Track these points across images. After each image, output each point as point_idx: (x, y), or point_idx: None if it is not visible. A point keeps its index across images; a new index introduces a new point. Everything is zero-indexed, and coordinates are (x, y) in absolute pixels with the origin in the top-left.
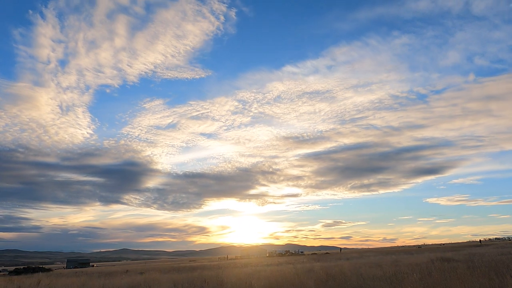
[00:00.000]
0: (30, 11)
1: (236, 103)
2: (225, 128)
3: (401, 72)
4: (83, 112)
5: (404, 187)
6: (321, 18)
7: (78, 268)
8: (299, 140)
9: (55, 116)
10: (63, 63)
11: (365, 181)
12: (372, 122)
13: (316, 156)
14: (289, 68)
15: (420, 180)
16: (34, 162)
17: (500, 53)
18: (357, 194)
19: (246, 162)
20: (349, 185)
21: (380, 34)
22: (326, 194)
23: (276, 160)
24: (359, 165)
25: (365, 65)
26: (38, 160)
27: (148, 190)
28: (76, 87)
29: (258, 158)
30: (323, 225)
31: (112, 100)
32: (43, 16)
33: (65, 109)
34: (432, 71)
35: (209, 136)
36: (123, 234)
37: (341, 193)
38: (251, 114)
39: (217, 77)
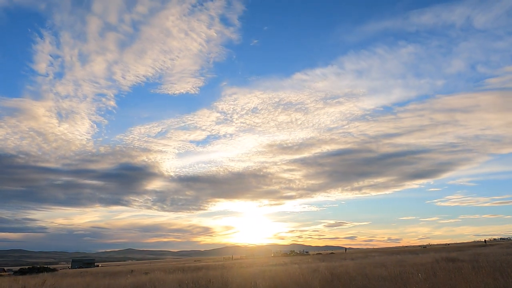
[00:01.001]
0: (29, 29)
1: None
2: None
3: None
4: (81, 119)
5: (407, 187)
6: (331, 31)
7: (83, 268)
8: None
9: (53, 124)
10: (60, 75)
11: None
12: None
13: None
14: (298, 76)
15: (424, 181)
16: (40, 167)
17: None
18: (350, 196)
19: (239, 166)
20: (356, 185)
21: (387, 44)
22: (322, 196)
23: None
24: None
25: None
26: (43, 165)
27: (150, 192)
28: (74, 96)
29: (249, 163)
30: (325, 225)
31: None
32: (41, 35)
33: (65, 116)
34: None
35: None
36: (128, 235)
37: (338, 195)
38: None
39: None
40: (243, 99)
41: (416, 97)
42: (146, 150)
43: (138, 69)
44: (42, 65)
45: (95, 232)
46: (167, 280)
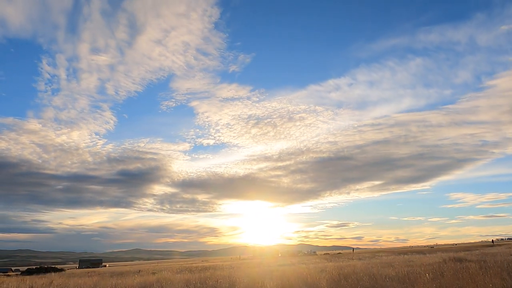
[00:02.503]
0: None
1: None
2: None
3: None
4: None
5: (412, 189)
6: (344, 48)
7: (90, 268)
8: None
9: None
10: (58, 90)
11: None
12: None
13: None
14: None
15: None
16: (47, 174)
17: None
18: (348, 197)
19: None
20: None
21: (397, 57)
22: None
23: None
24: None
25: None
26: (49, 172)
27: (157, 195)
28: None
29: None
30: (328, 225)
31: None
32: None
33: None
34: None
35: None
36: (135, 235)
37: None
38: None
39: None
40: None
41: (425, 105)
42: (152, 154)
43: (128, 86)
44: (41, 83)
45: (103, 233)
46: (174, 280)
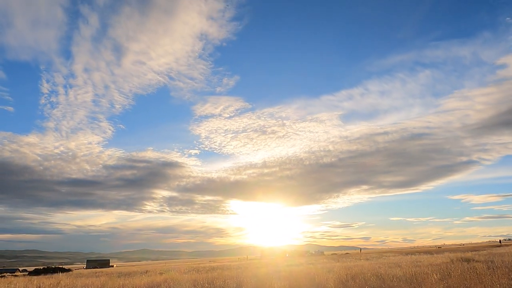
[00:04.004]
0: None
1: None
2: None
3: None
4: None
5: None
6: (355, 64)
7: (98, 268)
8: None
9: (59, 143)
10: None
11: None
12: None
13: None
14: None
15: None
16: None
17: None
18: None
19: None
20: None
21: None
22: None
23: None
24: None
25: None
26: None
27: (164, 197)
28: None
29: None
30: (332, 226)
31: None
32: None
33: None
34: None
35: None
36: (143, 236)
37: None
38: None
39: None
40: None
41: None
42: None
43: (121, 101)
44: (42, 100)
45: (111, 234)
46: (182, 280)
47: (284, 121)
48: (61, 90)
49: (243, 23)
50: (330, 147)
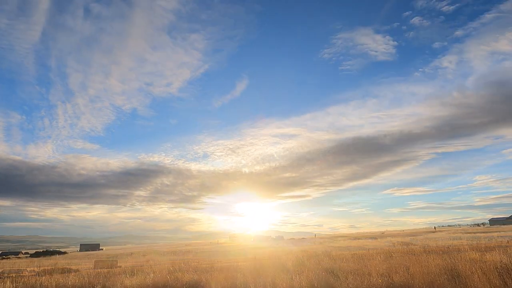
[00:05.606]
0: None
1: None
2: None
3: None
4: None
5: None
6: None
7: (89, 251)
8: None
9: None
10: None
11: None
12: None
13: None
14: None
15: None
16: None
17: None
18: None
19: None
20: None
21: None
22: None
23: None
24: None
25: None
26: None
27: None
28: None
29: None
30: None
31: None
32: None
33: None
34: None
35: None
36: (128, 224)
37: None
38: None
39: None
40: None
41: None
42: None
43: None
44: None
45: (100, 222)
46: (162, 261)
47: None
48: None
49: None
50: None
